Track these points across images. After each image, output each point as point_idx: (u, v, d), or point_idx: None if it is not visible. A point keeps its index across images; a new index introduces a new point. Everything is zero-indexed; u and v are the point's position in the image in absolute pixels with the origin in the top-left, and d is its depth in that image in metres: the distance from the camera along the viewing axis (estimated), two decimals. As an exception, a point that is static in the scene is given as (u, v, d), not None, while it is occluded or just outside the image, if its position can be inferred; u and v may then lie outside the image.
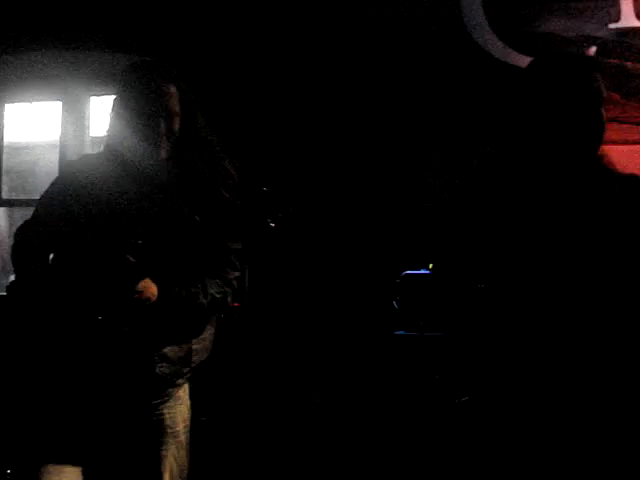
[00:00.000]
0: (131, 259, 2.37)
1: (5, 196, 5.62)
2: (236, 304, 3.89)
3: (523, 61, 4.39)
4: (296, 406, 4.31)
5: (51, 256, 2.56)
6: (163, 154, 2.49)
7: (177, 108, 2.51)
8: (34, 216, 2.59)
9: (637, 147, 4.17)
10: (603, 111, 2.15)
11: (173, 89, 2.52)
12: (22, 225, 2.62)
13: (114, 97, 2.56)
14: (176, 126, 2.51)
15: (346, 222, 4.49)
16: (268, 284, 4.32)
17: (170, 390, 2.56)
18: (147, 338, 2.45)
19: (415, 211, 4.41)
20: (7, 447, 3.62)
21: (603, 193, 2.13)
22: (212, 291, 2.55)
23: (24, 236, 2.59)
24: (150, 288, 2.41)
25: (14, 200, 5.80)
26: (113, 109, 2.56)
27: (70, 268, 2.47)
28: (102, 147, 2.61)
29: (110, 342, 2.41)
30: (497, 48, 4.50)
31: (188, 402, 2.65)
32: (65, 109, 5.35)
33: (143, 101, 2.47)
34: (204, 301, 2.52)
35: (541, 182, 2.15)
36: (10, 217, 6.03)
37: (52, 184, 2.62)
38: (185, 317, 2.51)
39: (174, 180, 2.52)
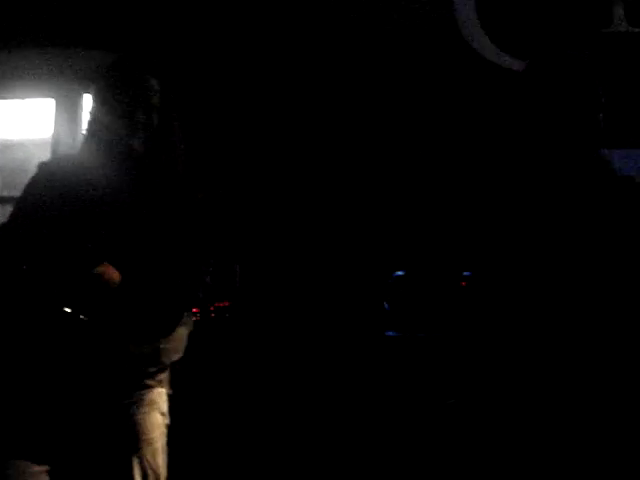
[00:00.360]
0: (89, 245, 2.37)
1: (-3, 193, 5.62)
2: (226, 303, 3.89)
3: (516, 64, 4.41)
4: (286, 407, 4.31)
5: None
6: (137, 145, 2.50)
7: (156, 102, 2.52)
8: (9, 216, 2.60)
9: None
10: (600, 114, 2.15)
11: (153, 83, 2.54)
12: None
13: (93, 92, 2.57)
14: (154, 120, 2.53)
15: (338, 223, 4.50)
16: (259, 283, 4.33)
17: (142, 392, 2.52)
18: (110, 331, 2.42)
19: (406, 213, 4.42)
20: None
21: (600, 196, 2.13)
22: (182, 282, 2.52)
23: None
24: (109, 273, 2.39)
25: (6, 197, 5.77)
26: (93, 103, 2.57)
27: (35, 262, 2.46)
28: (80, 147, 2.62)
29: (71, 333, 2.39)
30: (490, 51, 4.51)
31: (165, 408, 2.60)
32: (58, 106, 5.34)
33: (123, 93, 2.49)
34: (173, 290, 2.50)
35: (539, 184, 2.15)
36: (2, 214, 6.01)
37: (27, 185, 2.63)
38: (152, 308, 2.48)
39: (147, 171, 2.53)
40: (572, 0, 4.47)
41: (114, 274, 2.39)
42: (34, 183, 2.63)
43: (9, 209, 6.35)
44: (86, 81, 5.23)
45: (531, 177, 2.16)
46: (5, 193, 5.79)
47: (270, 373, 4.35)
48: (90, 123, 2.58)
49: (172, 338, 2.55)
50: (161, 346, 2.52)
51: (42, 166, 2.66)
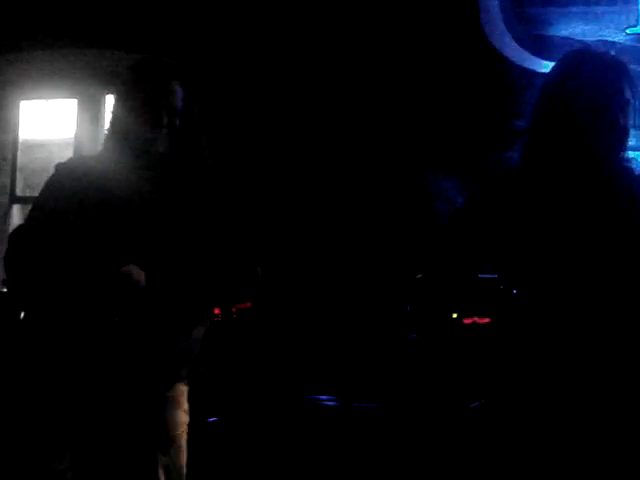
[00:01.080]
0: (116, 246, 2.37)
1: (20, 193, 5.65)
2: (248, 304, 3.89)
3: (539, 65, 4.38)
4: (308, 407, 4.30)
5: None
6: (161, 148, 2.51)
7: (178, 104, 2.53)
8: (30, 218, 2.60)
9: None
10: (627, 114, 2.12)
11: (176, 85, 2.54)
12: (15, 231, 2.62)
13: (117, 94, 2.57)
14: (176, 121, 2.53)
15: (360, 225, 4.49)
16: (281, 285, 4.32)
17: (168, 390, 2.53)
18: (139, 331, 2.42)
19: (428, 214, 4.40)
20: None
21: (622, 198, 2.10)
22: (206, 283, 2.53)
23: (19, 241, 2.59)
24: (136, 274, 2.39)
25: (28, 197, 5.81)
26: (116, 104, 2.57)
27: (62, 263, 2.47)
28: (102, 147, 2.62)
29: (102, 334, 2.39)
30: (514, 51, 4.48)
31: (187, 406, 2.62)
32: (80, 107, 5.37)
33: (145, 94, 2.49)
34: (196, 289, 2.50)
35: (560, 186, 2.12)
36: (24, 214, 6.05)
37: (46, 186, 2.63)
38: (178, 308, 2.48)
39: (169, 172, 2.53)
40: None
41: (140, 275, 2.39)
42: (54, 183, 2.62)
43: (31, 209, 6.35)
44: (108, 82, 5.25)
45: (555, 176, 2.14)
46: (27, 193, 5.83)
47: (292, 374, 4.35)
48: (112, 123, 2.58)
49: (194, 336, 2.56)
50: (184, 345, 2.53)
51: (61, 166, 2.66)
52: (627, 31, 4.39)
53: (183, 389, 2.60)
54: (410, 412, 3.87)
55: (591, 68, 2.13)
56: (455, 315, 3.73)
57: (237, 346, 3.94)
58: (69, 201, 2.49)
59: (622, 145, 2.14)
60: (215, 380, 3.26)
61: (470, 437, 3.41)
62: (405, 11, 4.60)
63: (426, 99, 4.53)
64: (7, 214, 5.58)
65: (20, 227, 2.60)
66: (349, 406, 4.21)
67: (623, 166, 2.16)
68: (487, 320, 3.61)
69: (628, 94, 2.12)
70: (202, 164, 2.59)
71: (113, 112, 2.57)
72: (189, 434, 2.59)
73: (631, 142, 2.20)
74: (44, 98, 5.61)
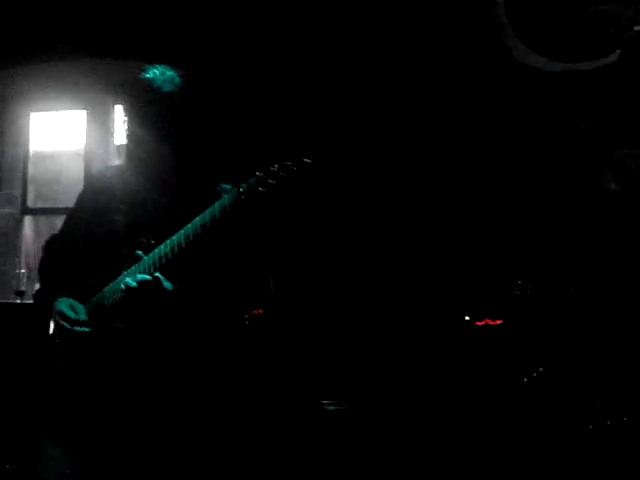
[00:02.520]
0: (141, 255, 2.39)
1: (31, 204, 5.68)
2: (260, 310, 3.89)
3: (544, 63, 4.38)
4: (320, 411, 4.30)
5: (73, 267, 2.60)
6: (178, 160, 2.53)
7: (181, 110, 2.54)
8: (61, 231, 2.65)
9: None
10: None
11: (185, 95, 2.55)
12: (49, 239, 2.67)
13: (124, 106, 2.60)
14: (181, 128, 2.54)
15: (372, 233, 4.48)
16: (294, 289, 4.32)
17: None
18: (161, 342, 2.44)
19: (444, 212, 4.39)
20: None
21: None
22: (223, 296, 2.55)
23: (50, 250, 2.65)
24: (162, 285, 2.40)
25: (39, 209, 5.85)
26: (130, 118, 2.59)
27: (86, 277, 2.50)
28: (123, 157, 2.65)
29: (108, 340, 2.42)
30: (519, 50, 4.47)
31: None
32: (90, 118, 5.39)
33: (148, 105, 2.51)
34: (215, 306, 2.52)
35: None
36: (36, 225, 6.08)
37: (77, 200, 2.68)
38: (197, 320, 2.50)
39: (189, 184, 2.55)
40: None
41: (165, 286, 2.41)
42: (85, 195, 2.68)
43: (43, 220, 6.42)
44: (117, 92, 5.27)
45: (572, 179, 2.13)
46: (39, 204, 5.86)
47: (305, 379, 4.34)
48: (127, 136, 2.61)
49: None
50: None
51: (89, 179, 2.72)
52: (634, 28, 4.39)
53: None
54: (422, 416, 3.87)
55: None
56: (467, 317, 3.73)
57: (249, 352, 3.95)
58: (98, 214, 2.53)
59: None
60: (225, 385, 3.25)
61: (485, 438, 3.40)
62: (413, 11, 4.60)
63: (428, 95, 4.52)
64: (18, 225, 5.60)
65: (54, 237, 2.65)
66: (359, 411, 4.21)
67: None
68: (499, 322, 3.60)
69: None
70: (202, 172, 2.61)
71: (124, 123, 2.60)
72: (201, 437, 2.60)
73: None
74: (54, 109, 5.64)
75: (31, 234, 5.86)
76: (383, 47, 4.60)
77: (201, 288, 2.48)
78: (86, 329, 2.45)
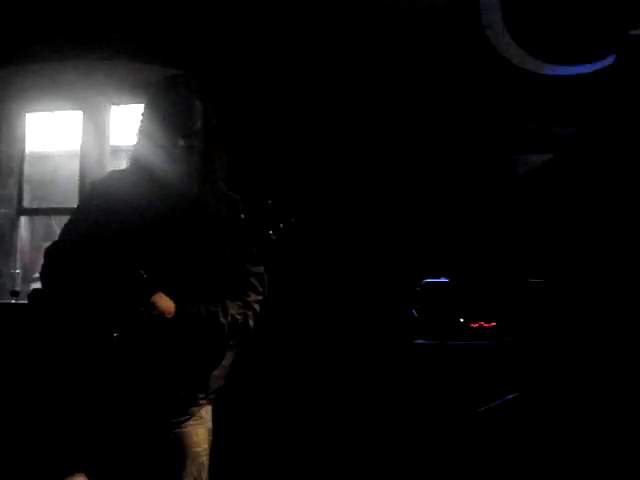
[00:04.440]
0: (144, 274, 2.38)
1: (27, 205, 5.67)
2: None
3: (541, 67, 4.38)
4: (311, 412, 4.30)
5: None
6: (186, 168, 2.52)
7: (200, 124, 2.53)
8: (62, 235, 2.63)
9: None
10: None
11: (199, 104, 2.54)
12: (50, 246, 2.65)
13: (141, 111, 2.59)
14: (201, 141, 2.54)
15: (365, 231, 4.48)
16: (284, 293, 4.32)
17: (190, 410, 2.54)
18: (163, 357, 2.43)
19: (435, 218, 4.39)
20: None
21: None
22: (232, 312, 2.52)
23: (52, 258, 2.63)
24: (164, 302, 2.39)
25: (35, 209, 5.84)
26: (140, 123, 2.59)
27: (87, 284, 2.49)
28: (128, 162, 2.64)
29: (106, 351, 2.41)
30: (515, 54, 4.47)
31: (210, 425, 2.62)
32: (86, 118, 5.39)
33: (169, 116, 2.50)
34: (224, 321, 2.48)
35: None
36: (32, 226, 6.07)
37: (78, 205, 2.68)
38: (204, 337, 2.48)
39: (197, 196, 2.53)
40: (598, 1, 4.42)
41: (169, 304, 2.40)
42: (87, 200, 2.67)
43: (38, 221, 6.41)
44: (112, 93, 5.27)
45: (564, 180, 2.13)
46: (35, 205, 5.86)
47: (297, 381, 4.35)
48: (135, 147, 2.59)
49: (223, 364, 2.57)
50: (213, 372, 2.55)
51: (95, 184, 2.69)
52: (630, 32, 4.39)
53: (208, 407, 2.60)
54: (415, 418, 3.87)
55: None
56: (462, 320, 3.73)
57: (243, 350, 3.94)
58: (100, 219, 2.52)
59: None
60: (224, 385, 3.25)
61: (477, 442, 3.40)
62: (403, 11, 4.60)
63: (423, 100, 4.52)
64: (14, 226, 5.60)
65: (55, 243, 2.64)
66: (356, 410, 4.21)
67: None
68: (493, 324, 3.61)
69: None
70: (214, 186, 2.59)
71: (137, 129, 2.59)
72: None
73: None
74: (49, 110, 5.64)
75: (27, 234, 5.86)
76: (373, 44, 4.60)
77: (191, 287, 2.47)
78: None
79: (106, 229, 2.49)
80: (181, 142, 2.49)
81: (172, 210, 2.50)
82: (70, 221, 2.64)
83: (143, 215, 2.48)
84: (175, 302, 2.41)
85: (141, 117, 2.57)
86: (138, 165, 2.56)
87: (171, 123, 2.49)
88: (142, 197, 2.51)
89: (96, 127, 5.36)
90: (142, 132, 2.55)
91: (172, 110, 2.50)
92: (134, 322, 2.37)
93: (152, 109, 2.54)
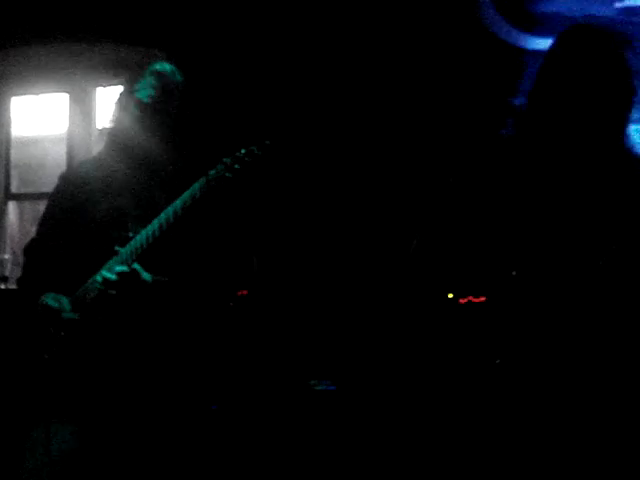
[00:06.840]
0: (120, 249, 2.41)
1: (14, 190, 5.65)
2: (244, 292, 3.90)
3: (528, 42, 4.36)
4: (303, 394, 4.31)
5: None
6: (165, 145, 2.54)
7: (179, 102, 2.56)
8: (38, 232, 2.67)
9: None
10: (633, 87, 2.09)
11: (177, 84, 2.57)
12: (29, 245, 2.67)
13: (120, 90, 2.61)
14: (179, 119, 2.57)
15: (357, 214, 4.48)
16: (278, 271, 4.32)
17: None
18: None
19: (424, 198, 4.39)
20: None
21: (624, 174, 2.09)
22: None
23: (32, 255, 2.66)
24: (138, 276, 2.41)
25: (23, 194, 5.82)
26: (119, 101, 2.61)
27: (70, 268, 2.52)
28: (106, 139, 2.66)
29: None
30: (502, 28, 4.45)
31: None
32: (72, 101, 5.36)
33: (149, 95, 2.52)
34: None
35: (562, 162, 2.11)
36: (20, 211, 6.05)
37: (51, 199, 2.69)
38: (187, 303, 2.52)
39: (173, 170, 2.56)
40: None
41: (144, 277, 2.42)
42: (58, 194, 2.69)
43: (27, 206, 6.39)
44: (98, 75, 5.24)
45: (557, 151, 2.12)
46: (22, 190, 5.84)
47: (289, 362, 4.35)
48: (111, 127, 2.61)
49: None
50: None
51: (63, 176, 2.71)
52: (615, 5, 4.37)
53: None
54: (408, 396, 3.88)
55: (595, 45, 2.10)
56: (451, 295, 3.73)
57: (235, 332, 3.95)
58: (74, 210, 2.54)
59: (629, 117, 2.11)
60: (214, 367, 3.26)
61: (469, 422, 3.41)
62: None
63: (411, 84, 4.50)
64: (3, 211, 5.58)
65: (33, 241, 2.67)
66: (347, 391, 4.22)
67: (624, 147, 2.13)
68: (482, 299, 3.61)
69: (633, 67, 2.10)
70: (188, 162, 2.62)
71: (116, 107, 2.61)
72: (193, 421, 2.62)
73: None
74: (35, 93, 5.60)
75: (15, 220, 5.84)
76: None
77: (181, 274, 2.50)
78: (73, 316, 2.47)
79: (82, 219, 2.52)
80: (166, 124, 2.52)
81: (149, 181, 2.52)
82: (44, 217, 2.68)
83: (119, 194, 2.51)
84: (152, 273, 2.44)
85: (121, 95, 2.59)
86: (117, 141, 2.58)
87: (150, 104, 2.51)
88: (120, 173, 2.53)
89: (82, 110, 5.33)
90: (123, 109, 2.57)
91: (155, 87, 2.52)
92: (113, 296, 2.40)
93: (134, 87, 2.56)
